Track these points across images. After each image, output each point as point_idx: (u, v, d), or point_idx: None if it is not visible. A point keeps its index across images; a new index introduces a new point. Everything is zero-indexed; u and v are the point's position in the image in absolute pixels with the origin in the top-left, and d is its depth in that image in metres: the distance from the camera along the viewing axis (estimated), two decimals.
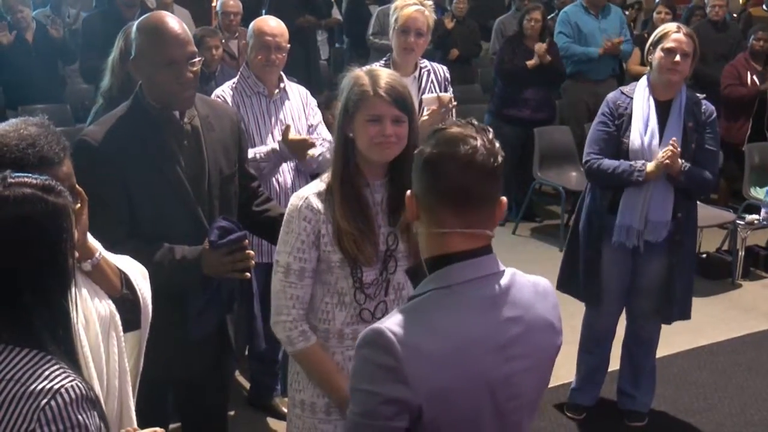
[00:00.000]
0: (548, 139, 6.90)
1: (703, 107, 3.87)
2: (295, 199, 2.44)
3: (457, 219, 1.68)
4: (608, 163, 3.84)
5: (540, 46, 6.86)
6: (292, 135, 3.59)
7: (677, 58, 3.72)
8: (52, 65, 7.17)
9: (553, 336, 1.81)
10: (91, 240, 2.17)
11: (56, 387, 1.55)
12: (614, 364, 4.28)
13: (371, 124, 2.34)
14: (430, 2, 4.00)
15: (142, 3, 6.57)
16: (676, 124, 3.80)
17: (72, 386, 1.57)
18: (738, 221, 6.15)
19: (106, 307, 2.13)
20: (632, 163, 3.78)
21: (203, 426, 3.03)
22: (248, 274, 2.66)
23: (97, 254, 2.15)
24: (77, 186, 2.05)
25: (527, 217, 7.23)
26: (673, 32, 3.78)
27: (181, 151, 2.66)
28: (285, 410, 4.07)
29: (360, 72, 2.42)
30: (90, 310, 2.08)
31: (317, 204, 2.40)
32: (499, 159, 1.71)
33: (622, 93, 3.94)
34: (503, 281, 1.73)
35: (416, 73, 3.98)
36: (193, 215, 2.67)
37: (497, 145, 1.73)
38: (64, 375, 1.58)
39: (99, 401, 1.66)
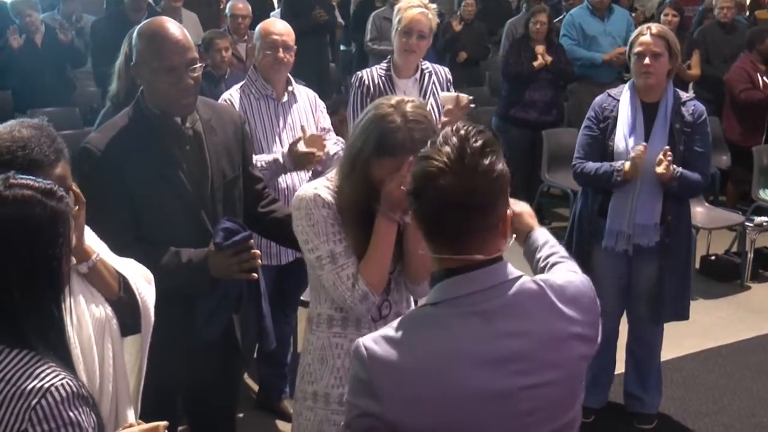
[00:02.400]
0: (556, 141, 6.89)
1: (692, 108, 3.84)
2: (304, 193, 2.41)
3: (448, 247, 1.67)
4: (591, 165, 3.86)
5: (539, 48, 6.87)
6: (302, 147, 3.57)
7: (647, 60, 3.73)
8: (60, 68, 7.19)
9: (576, 346, 1.72)
10: (90, 242, 2.17)
11: (47, 386, 1.56)
12: (621, 366, 4.27)
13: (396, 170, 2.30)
14: (434, 5, 4.01)
15: (149, 6, 6.60)
16: (662, 126, 3.80)
17: (63, 384, 1.57)
18: (747, 223, 6.13)
19: (101, 310, 2.12)
20: (612, 164, 3.79)
21: (211, 428, 3.04)
22: (255, 274, 2.67)
23: (94, 256, 2.14)
24: (74, 188, 2.06)
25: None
26: (641, 35, 3.79)
27: (183, 156, 2.66)
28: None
29: (394, 114, 2.30)
30: (84, 313, 2.07)
31: (329, 198, 2.39)
32: (483, 192, 1.63)
33: (609, 96, 3.95)
34: (510, 292, 1.67)
35: (417, 75, 4.00)
36: (197, 219, 2.68)
37: (492, 168, 1.64)
38: (54, 374, 1.58)
39: (92, 398, 1.66)
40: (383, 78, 3.95)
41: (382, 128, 2.28)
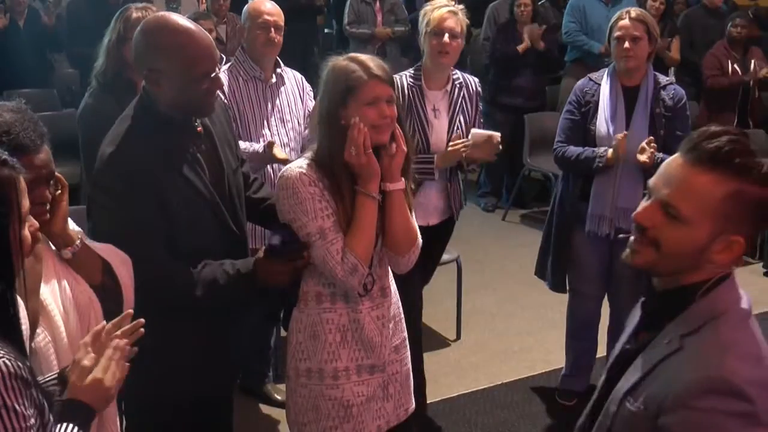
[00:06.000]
0: (539, 125, 6.89)
1: (672, 92, 3.86)
2: (289, 173, 2.44)
3: None
4: (572, 150, 3.87)
5: (532, 30, 6.83)
6: (277, 152, 3.54)
7: (626, 45, 3.75)
8: (40, 51, 7.13)
9: None
10: (72, 227, 2.13)
11: None
12: (603, 350, 4.28)
13: (369, 108, 2.38)
14: (462, 6, 3.74)
15: None
16: (643, 110, 3.81)
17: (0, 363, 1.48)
18: None
19: (86, 296, 2.09)
20: (594, 149, 3.81)
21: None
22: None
23: (77, 241, 2.11)
24: (57, 174, 2.02)
25: (517, 204, 7.24)
26: (620, 20, 3.80)
27: (202, 156, 2.52)
28: (278, 397, 4.09)
29: (343, 61, 2.44)
30: (69, 301, 2.03)
31: (314, 175, 2.42)
32: None
33: (590, 80, 3.95)
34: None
35: (448, 86, 3.70)
36: (219, 221, 2.54)
37: None
38: None
39: (36, 382, 1.58)
40: (414, 89, 3.66)
41: (341, 75, 2.40)
